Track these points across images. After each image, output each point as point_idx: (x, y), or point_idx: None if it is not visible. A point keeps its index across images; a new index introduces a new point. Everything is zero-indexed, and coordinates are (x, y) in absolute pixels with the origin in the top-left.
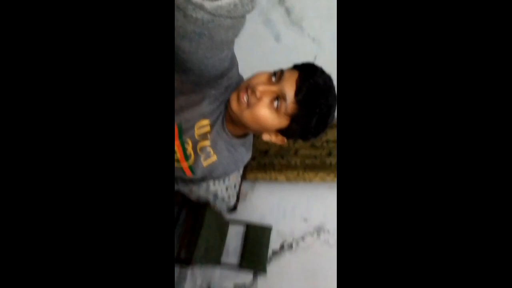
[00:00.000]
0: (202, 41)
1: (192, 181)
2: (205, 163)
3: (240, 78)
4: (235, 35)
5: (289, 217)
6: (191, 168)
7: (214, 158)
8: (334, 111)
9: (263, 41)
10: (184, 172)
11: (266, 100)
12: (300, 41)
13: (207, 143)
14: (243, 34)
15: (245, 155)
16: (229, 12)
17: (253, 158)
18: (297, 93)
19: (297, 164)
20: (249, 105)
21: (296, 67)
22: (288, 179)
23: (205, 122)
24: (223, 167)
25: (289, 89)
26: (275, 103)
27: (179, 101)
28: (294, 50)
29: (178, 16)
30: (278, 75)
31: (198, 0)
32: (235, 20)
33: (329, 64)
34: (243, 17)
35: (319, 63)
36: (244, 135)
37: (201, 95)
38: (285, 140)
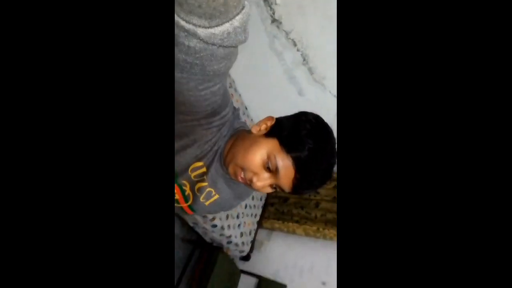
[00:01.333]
0: (194, 71)
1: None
2: (207, 203)
3: (235, 115)
4: (228, 67)
5: (306, 277)
6: (190, 207)
7: (216, 197)
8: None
9: (287, 95)
10: (185, 212)
11: (266, 188)
12: (322, 97)
13: (204, 184)
14: (268, 88)
15: (249, 191)
16: (222, 40)
17: (271, 204)
18: (293, 191)
19: (317, 217)
20: (248, 184)
21: (290, 150)
22: (307, 234)
23: (199, 164)
24: (227, 203)
25: (286, 185)
26: (274, 186)
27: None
28: (317, 105)
29: None
30: (273, 167)
31: (191, 27)
32: (228, 50)
33: None
34: (235, 47)
35: None
36: None
37: (193, 137)
38: None
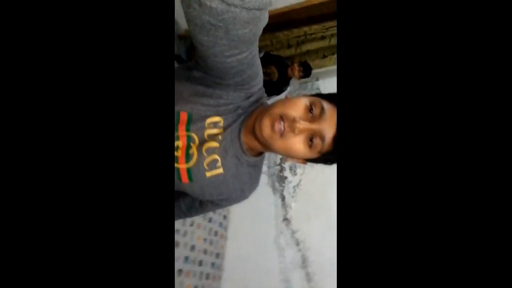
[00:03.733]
0: (218, 35)
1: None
2: (208, 173)
3: (263, 94)
4: (254, 34)
5: None
6: (189, 171)
7: (220, 170)
8: None
9: None
10: (179, 176)
11: (303, 136)
12: None
13: (215, 144)
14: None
15: (254, 183)
16: (242, 1)
17: None
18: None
19: None
20: (283, 135)
21: (334, 100)
22: None
23: (218, 119)
24: (227, 186)
25: (330, 132)
26: (311, 139)
27: (196, 88)
28: None
29: (194, 5)
30: (317, 111)
31: None
32: (251, 14)
33: None
34: (259, 10)
35: None
36: (258, 154)
37: (220, 92)
38: (306, 162)
